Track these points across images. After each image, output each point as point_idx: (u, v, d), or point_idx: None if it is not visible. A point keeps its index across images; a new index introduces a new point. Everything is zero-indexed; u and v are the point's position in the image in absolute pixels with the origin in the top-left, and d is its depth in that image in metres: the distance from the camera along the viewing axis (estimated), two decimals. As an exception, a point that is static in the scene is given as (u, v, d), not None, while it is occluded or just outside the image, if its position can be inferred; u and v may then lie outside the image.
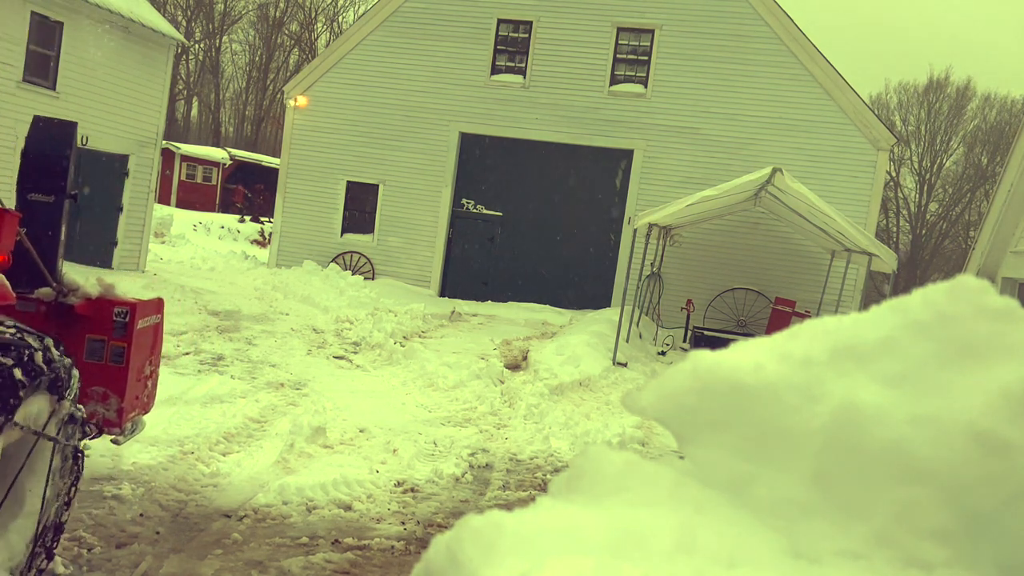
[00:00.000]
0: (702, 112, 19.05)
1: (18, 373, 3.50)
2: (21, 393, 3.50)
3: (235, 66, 56.13)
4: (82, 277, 5.02)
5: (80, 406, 4.20)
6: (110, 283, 5.07)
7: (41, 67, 16.01)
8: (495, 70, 20.12)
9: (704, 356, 1.54)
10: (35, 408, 3.71)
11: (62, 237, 4.83)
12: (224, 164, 39.24)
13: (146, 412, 5.38)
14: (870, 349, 1.43)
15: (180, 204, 35.13)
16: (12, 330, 3.69)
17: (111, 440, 5.11)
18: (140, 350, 5.06)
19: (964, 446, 1.31)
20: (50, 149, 4.72)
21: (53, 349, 3.83)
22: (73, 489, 4.23)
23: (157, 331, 5.32)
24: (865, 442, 1.37)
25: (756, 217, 18.45)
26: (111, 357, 4.93)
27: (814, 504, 1.42)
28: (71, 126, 4.75)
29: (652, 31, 19.33)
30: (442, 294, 20.29)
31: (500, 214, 20.55)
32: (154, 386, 5.47)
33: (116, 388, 4.94)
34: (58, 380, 3.84)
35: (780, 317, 17.15)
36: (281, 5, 52.45)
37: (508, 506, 6.23)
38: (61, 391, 3.90)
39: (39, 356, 3.69)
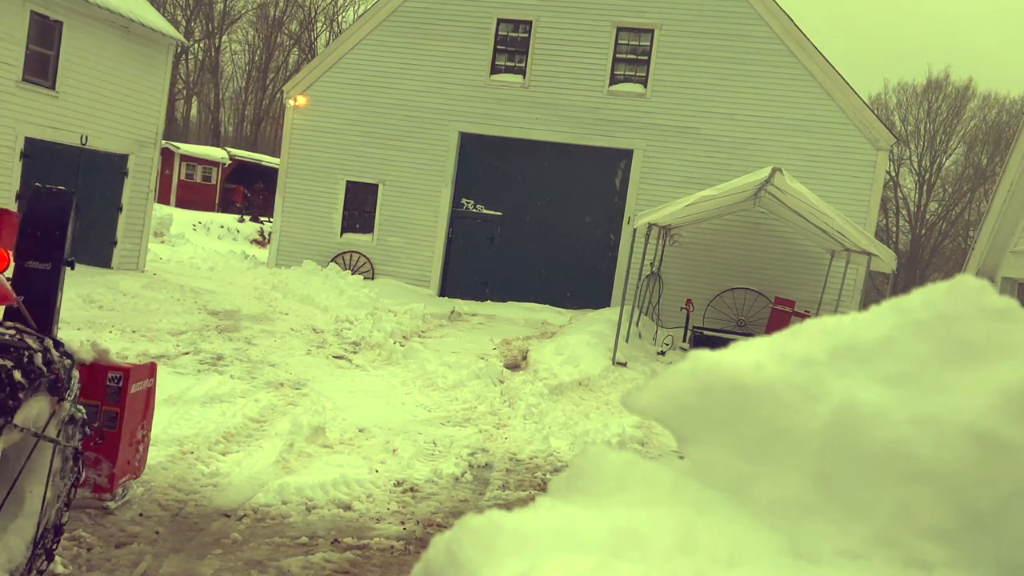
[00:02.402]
0: (702, 112, 19.06)
1: (18, 375, 3.46)
2: (21, 395, 3.47)
3: (235, 66, 56.16)
4: (77, 338, 4.97)
5: (80, 407, 4.19)
6: (104, 348, 5.21)
7: (40, 67, 16.00)
8: (495, 70, 20.12)
9: (704, 356, 1.54)
10: (35, 410, 3.71)
11: (58, 304, 4.84)
12: (224, 164, 39.24)
13: (137, 477, 5.46)
14: (870, 349, 1.43)
15: (180, 204, 35.12)
16: (12, 331, 3.71)
17: (103, 508, 5.20)
18: (133, 415, 5.18)
19: (964, 446, 1.31)
20: (49, 218, 4.73)
21: (53, 350, 3.82)
22: (73, 491, 4.23)
23: (149, 395, 5.44)
24: (865, 442, 1.37)
25: (756, 217, 18.45)
26: (104, 422, 5.00)
27: (814, 504, 1.42)
28: (69, 196, 4.79)
29: (652, 31, 19.33)
30: (442, 294, 20.29)
31: (500, 214, 20.55)
32: (145, 450, 5.54)
33: (108, 453, 5.00)
34: (58, 381, 3.82)
35: (780, 317, 17.16)
36: (281, 5, 52.46)
37: (508, 506, 6.24)
38: (61, 392, 3.88)
39: (39, 357, 3.68)
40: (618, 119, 19.50)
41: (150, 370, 5.50)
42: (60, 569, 4.55)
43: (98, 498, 5.19)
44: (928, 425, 1.33)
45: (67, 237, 4.76)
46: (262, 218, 34.14)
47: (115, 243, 18.13)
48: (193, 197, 36.78)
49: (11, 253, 4.20)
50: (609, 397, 10.94)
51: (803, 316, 16.74)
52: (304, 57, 50.59)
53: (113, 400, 5.11)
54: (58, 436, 3.95)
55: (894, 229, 47.73)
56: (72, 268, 4.86)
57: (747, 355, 1.50)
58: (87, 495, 5.04)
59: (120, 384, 5.11)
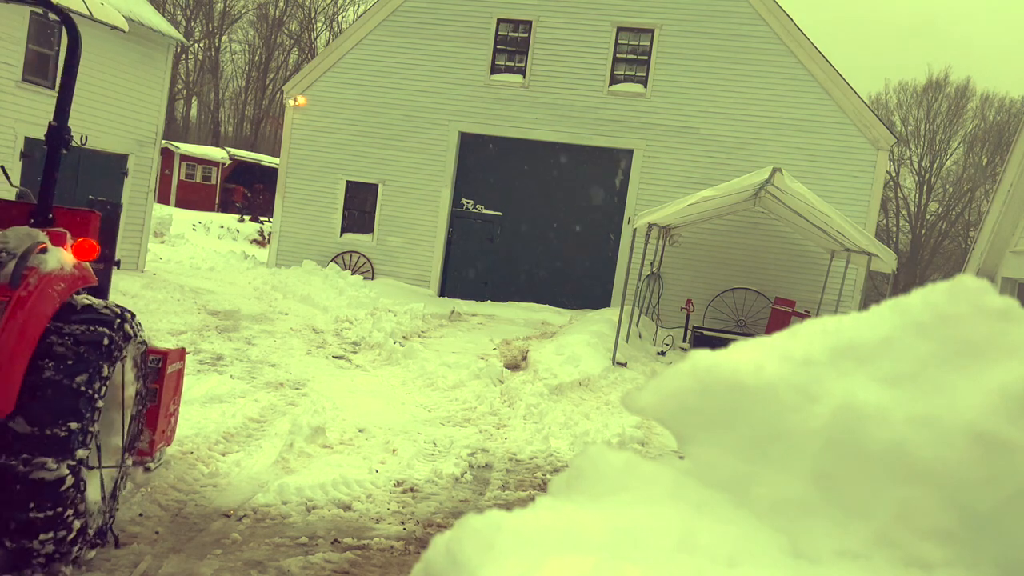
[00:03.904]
0: (702, 112, 19.06)
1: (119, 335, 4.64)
2: (128, 339, 4.75)
3: (234, 66, 56.17)
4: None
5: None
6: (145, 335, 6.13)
7: (40, 66, 15.99)
8: (495, 70, 20.12)
9: (704, 356, 1.54)
10: (127, 364, 4.89)
11: (108, 298, 5.53)
12: (223, 164, 39.25)
13: (169, 444, 6.27)
14: (870, 349, 1.43)
15: (179, 204, 35.13)
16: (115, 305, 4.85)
17: (143, 468, 5.95)
18: (168, 391, 5.91)
19: (964, 446, 1.31)
20: (103, 227, 5.42)
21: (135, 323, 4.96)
22: (138, 426, 5.29)
23: (179, 375, 6.25)
24: (865, 442, 1.37)
25: (756, 217, 18.45)
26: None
27: (814, 504, 1.42)
28: (117, 207, 5.71)
29: (652, 31, 19.33)
30: (441, 294, 20.29)
31: (500, 214, 20.55)
32: (175, 422, 6.33)
33: (149, 423, 5.72)
34: (141, 344, 5.06)
35: (780, 317, 17.16)
36: (281, 4, 52.46)
37: (508, 506, 6.24)
38: (142, 353, 5.11)
39: (135, 325, 4.90)
40: (618, 119, 19.50)
41: (180, 354, 6.27)
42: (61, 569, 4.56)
43: (140, 460, 5.81)
44: (928, 425, 1.33)
45: (116, 242, 5.56)
46: (262, 218, 34.15)
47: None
48: (193, 197, 36.79)
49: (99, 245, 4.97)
50: (609, 397, 10.93)
51: (803, 316, 16.74)
52: (304, 57, 50.59)
53: (153, 378, 5.71)
54: (137, 385, 5.07)
55: (894, 229, 47.74)
56: (118, 267, 5.49)
57: (747, 355, 1.50)
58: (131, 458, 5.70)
59: (159, 365, 5.77)
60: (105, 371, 4.43)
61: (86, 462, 4.34)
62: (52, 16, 5.06)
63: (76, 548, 4.39)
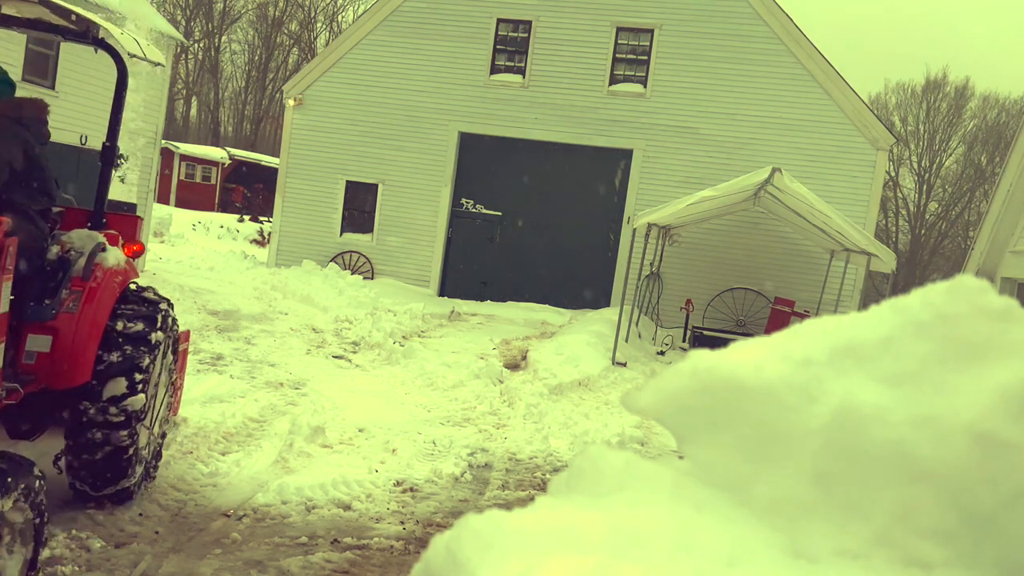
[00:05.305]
0: (701, 112, 19.06)
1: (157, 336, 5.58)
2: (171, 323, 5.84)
3: (234, 65, 56.16)
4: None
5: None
6: None
7: (40, 66, 15.98)
8: (494, 70, 20.12)
9: (703, 356, 1.54)
10: (165, 344, 5.80)
11: None
12: (223, 164, 39.25)
13: (175, 415, 7.04)
14: (870, 349, 1.43)
15: (179, 204, 35.12)
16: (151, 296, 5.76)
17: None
18: (178, 367, 6.51)
19: (964, 446, 1.31)
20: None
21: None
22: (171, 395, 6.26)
23: (185, 354, 7.01)
24: (865, 442, 1.37)
25: (755, 217, 18.46)
26: None
27: (814, 504, 1.42)
28: (133, 207, 6.37)
29: (651, 31, 19.33)
30: (441, 294, 20.28)
31: (500, 214, 20.55)
32: (180, 395, 7.17)
33: None
34: (175, 328, 6.01)
35: (779, 317, 17.16)
36: (280, 4, 52.45)
37: (507, 506, 6.23)
38: (174, 336, 6.08)
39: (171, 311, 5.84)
40: (618, 119, 19.50)
41: (187, 335, 7.04)
42: (62, 569, 4.56)
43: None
44: (928, 425, 1.33)
45: None
46: (262, 218, 34.14)
47: (115, 243, 18.12)
48: (193, 197, 36.78)
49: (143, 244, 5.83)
50: (609, 397, 10.93)
51: (803, 316, 16.74)
52: (304, 57, 50.58)
53: None
54: (168, 362, 5.97)
55: (894, 229, 47.74)
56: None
57: (747, 355, 1.50)
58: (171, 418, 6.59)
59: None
60: (158, 347, 5.47)
61: (143, 419, 5.40)
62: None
63: (135, 480, 5.46)
